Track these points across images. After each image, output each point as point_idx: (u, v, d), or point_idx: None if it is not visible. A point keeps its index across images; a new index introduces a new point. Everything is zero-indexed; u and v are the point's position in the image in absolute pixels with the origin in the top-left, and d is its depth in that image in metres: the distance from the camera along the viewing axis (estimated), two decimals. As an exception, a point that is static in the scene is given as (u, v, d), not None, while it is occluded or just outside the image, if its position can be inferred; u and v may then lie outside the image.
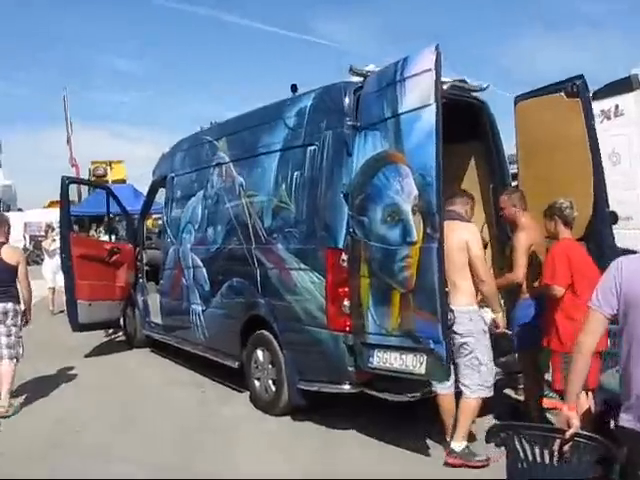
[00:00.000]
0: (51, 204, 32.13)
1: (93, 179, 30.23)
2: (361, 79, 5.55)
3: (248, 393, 6.71)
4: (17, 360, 6.54)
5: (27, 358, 6.89)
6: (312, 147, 5.66)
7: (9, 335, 6.45)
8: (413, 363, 4.75)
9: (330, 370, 5.52)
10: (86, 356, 9.09)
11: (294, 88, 10.24)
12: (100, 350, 9.55)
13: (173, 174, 8.37)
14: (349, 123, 5.23)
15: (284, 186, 5.98)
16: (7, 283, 6.47)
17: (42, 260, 22.16)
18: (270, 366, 6.18)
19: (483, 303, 4.99)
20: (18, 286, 6.58)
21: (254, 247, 6.35)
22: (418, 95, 4.66)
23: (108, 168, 29.38)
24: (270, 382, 6.18)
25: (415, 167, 4.64)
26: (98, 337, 10.00)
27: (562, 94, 5.46)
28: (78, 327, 8.68)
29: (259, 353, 6.33)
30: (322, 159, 5.52)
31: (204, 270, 7.31)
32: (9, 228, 6.69)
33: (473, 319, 4.78)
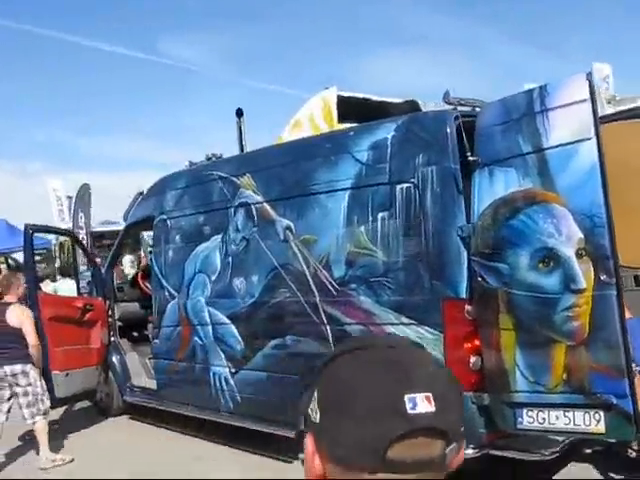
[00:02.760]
0: None
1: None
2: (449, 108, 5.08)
3: (299, 463, 5.96)
4: (45, 414, 6.54)
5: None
6: (404, 185, 5.02)
7: (26, 395, 6.42)
8: (586, 421, 4.28)
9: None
10: (64, 436, 7.61)
11: (240, 112, 9.48)
12: (70, 423, 8.09)
13: (165, 216, 7.28)
14: (470, 158, 4.67)
15: (363, 229, 5.28)
16: (9, 345, 6.39)
17: None
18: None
19: None
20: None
21: (320, 300, 5.58)
22: (571, 128, 4.22)
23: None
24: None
25: (575, 208, 4.20)
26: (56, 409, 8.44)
27: None
28: (55, 402, 7.30)
29: (333, 419, 5.56)
30: (424, 198, 4.89)
31: (232, 327, 6.37)
32: (20, 288, 6.79)
33: None
